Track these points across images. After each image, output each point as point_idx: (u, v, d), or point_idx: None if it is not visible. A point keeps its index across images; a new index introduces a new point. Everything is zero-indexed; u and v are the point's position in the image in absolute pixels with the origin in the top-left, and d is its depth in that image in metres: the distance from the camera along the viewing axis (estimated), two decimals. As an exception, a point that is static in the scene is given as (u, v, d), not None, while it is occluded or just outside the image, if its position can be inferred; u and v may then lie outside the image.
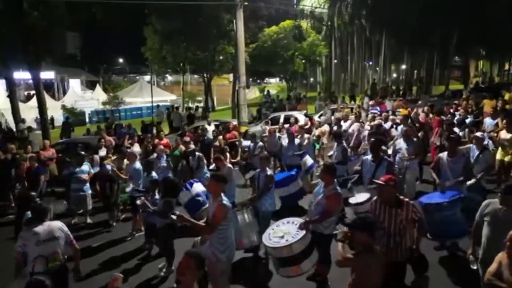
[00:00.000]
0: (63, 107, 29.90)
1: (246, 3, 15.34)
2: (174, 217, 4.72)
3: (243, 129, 15.28)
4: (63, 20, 18.05)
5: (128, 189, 8.44)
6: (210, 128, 15.00)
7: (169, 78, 55.52)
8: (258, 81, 48.66)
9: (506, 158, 9.04)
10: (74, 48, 59.94)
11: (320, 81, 44.13)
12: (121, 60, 52.92)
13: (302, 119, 17.15)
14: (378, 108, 13.77)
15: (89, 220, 9.07)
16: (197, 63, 33.69)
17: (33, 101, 37.70)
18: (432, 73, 34.73)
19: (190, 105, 32.42)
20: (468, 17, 26.76)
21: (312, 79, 47.79)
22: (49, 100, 36.58)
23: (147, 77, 53.59)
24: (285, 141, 10.41)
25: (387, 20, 28.95)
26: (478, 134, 7.96)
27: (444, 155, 6.84)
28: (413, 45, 29.35)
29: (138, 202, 6.63)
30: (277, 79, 51.04)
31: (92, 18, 22.57)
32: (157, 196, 6.92)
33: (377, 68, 36.56)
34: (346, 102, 21.24)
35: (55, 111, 29.87)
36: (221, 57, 33.12)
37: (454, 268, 6.06)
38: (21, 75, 46.83)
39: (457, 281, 5.72)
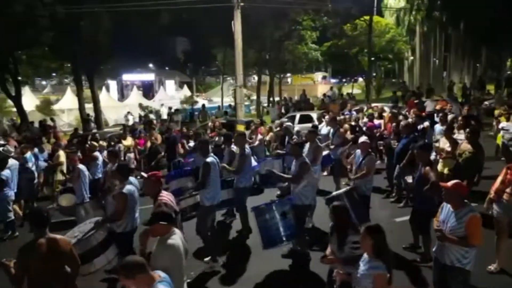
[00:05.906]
0: (140, 105, 33.26)
1: (242, 4, 15.49)
2: None
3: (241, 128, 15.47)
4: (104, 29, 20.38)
5: None
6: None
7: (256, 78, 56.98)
8: (344, 80, 46.85)
9: (446, 171, 7.79)
10: (181, 52, 66.05)
11: (406, 80, 40.87)
12: (217, 62, 56.32)
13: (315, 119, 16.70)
14: (350, 112, 12.58)
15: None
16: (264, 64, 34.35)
17: (128, 100, 42.84)
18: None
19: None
20: None
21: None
22: (141, 99, 41.30)
23: (237, 78, 55.92)
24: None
25: (464, 12, 25.64)
26: (363, 138, 7.17)
27: None
28: (492, 40, 25.34)
29: None
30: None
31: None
32: None
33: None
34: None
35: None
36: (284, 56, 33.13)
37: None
38: (130, 77, 53.43)
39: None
